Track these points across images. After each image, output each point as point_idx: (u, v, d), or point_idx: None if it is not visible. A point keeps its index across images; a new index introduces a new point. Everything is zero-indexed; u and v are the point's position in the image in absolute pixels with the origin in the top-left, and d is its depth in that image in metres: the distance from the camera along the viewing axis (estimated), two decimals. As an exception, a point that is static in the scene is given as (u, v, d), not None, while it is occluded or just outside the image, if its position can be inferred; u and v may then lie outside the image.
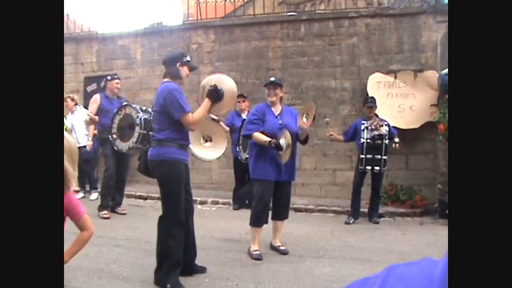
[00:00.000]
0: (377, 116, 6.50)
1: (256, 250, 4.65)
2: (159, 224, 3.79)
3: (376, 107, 6.54)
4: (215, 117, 5.14)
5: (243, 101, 7.12)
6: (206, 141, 4.15)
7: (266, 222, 4.79)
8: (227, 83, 3.99)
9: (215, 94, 3.79)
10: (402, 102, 7.71)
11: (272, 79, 4.96)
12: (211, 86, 3.83)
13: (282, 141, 4.49)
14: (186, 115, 3.69)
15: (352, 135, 6.57)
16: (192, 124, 3.76)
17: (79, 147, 7.65)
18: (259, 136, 4.61)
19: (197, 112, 3.78)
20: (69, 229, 2.31)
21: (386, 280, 0.86)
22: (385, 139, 6.13)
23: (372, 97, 6.82)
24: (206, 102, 3.79)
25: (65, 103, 7.76)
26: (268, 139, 4.52)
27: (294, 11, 8.94)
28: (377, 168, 6.19)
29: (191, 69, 4.01)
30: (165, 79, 3.91)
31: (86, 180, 8.02)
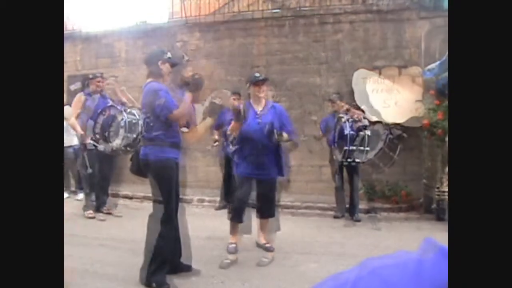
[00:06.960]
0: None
1: (231, 243, 4.50)
2: (149, 223, 3.76)
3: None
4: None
5: (238, 99, 6.73)
6: None
7: (241, 221, 4.58)
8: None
9: (194, 85, 3.82)
10: (387, 97, 7.76)
11: (258, 75, 4.84)
12: (192, 76, 3.87)
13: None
14: (172, 114, 3.68)
15: (324, 131, 6.69)
16: (179, 119, 3.75)
17: (71, 146, 7.56)
18: (232, 124, 4.57)
19: (180, 106, 3.76)
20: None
21: (361, 275, 0.85)
22: (368, 130, 5.99)
23: (338, 92, 7.15)
24: (188, 95, 3.78)
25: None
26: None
27: (279, 8, 8.92)
28: (358, 160, 6.04)
29: (173, 65, 3.98)
30: (149, 79, 3.88)
31: (70, 180, 7.93)
